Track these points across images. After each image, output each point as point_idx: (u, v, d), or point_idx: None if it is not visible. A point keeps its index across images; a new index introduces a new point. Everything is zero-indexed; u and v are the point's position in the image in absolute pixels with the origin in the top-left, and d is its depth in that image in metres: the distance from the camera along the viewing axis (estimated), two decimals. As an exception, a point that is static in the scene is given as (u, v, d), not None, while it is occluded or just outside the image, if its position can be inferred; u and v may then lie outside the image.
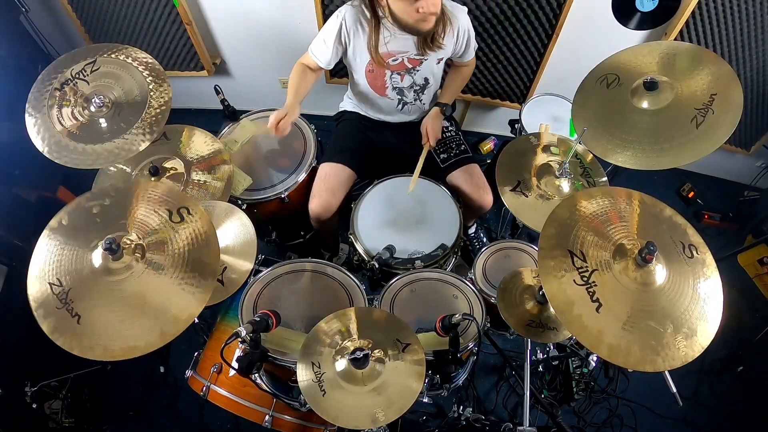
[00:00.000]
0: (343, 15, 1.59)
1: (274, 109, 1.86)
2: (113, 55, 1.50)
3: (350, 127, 1.90)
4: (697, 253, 1.06)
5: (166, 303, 1.04)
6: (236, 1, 2.19)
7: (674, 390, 1.26)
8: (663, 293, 1.00)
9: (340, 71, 2.39)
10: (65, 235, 1.11)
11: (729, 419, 2.04)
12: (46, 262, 1.08)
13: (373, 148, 1.87)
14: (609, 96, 1.37)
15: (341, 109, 1.98)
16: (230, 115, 1.81)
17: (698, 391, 2.09)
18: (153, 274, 1.07)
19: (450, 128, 1.87)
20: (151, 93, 1.47)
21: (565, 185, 1.47)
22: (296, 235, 2.10)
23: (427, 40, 1.59)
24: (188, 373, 1.52)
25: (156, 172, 1.50)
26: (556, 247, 1.05)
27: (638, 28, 2.03)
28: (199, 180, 1.55)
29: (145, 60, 1.50)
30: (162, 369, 2.01)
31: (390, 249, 1.50)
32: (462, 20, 1.62)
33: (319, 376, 1.15)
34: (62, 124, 1.42)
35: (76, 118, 1.43)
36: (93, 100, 1.42)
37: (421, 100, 1.80)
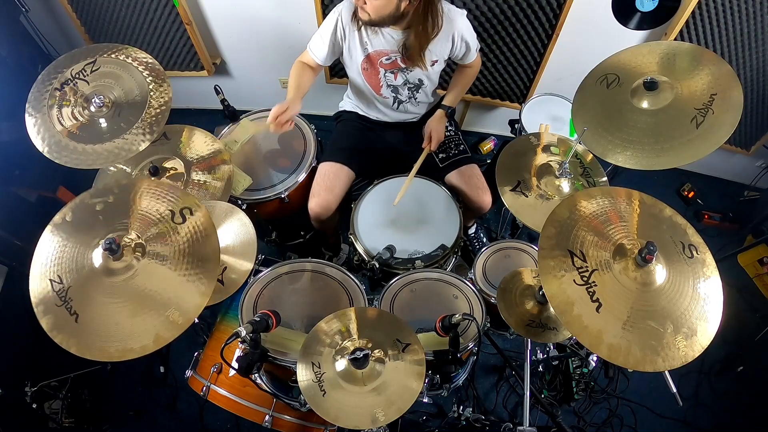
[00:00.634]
0: (339, 11, 1.59)
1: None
2: (113, 55, 1.50)
3: (349, 126, 1.90)
4: (697, 253, 1.06)
5: (170, 296, 1.04)
6: (236, 1, 2.19)
7: (674, 390, 1.26)
8: (663, 293, 1.00)
9: (340, 71, 2.39)
10: (68, 231, 1.12)
11: (729, 419, 2.04)
12: (48, 259, 1.09)
13: (372, 148, 1.87)
14: (609, 96, 1.37)
15: (340, 109, 1.99)
16: (230, 115, 1.81)
17: (698, 391, 2.09)
18: (152, 271, 1.07)
19: (449, 128, 1.86)
20: (151, 93, 1.47)
21: (565, 185, 1.47)
22: (296, 235, 2.10)
23: (407, 51, 1.59)
24: (188, 373, 1.52)
25: (156, 172, 1.50)
26: (556, 247, 1.05)
27: (638, 28, 2.03)
28: (199, 180, 1.55)
29: (145, 60, 1.50)
30: (162, 369, 2.01)
31: (390, 249, 1.50)
32: (458, 24, 1.60)
33: (319, 376, 1.15)
34: (62, 124, 1.42)
35: (76, 118, 1.43)
36: (93, 100, 1.42)
37: (416, 99, 1.80)
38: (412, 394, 1.13)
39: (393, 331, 1.22)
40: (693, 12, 1.92)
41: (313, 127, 1.84)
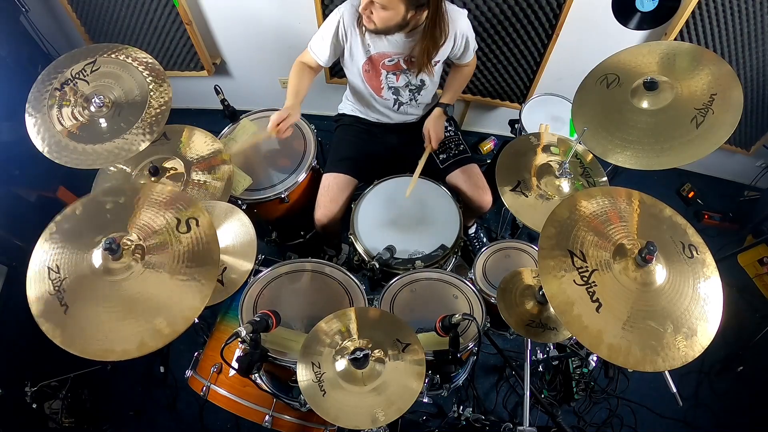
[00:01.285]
0: (341, 13, 1.59)
1: (274, 109, 1.87)
2: (113, 55, 1.50)
3: (348, 133, 1.90)
4: (697, 253, 1.06)
5: (161, 305, 1.04)
6: (236, 1, 2.19)
7: (674, 390, 1.26)
8: (663, 293, 1.00)
9: (340, 71, 2.39)
10: (75, 224, 1.13)
11: (729, 419, 2.04)
12: (51, 246, 1.10)
13: (372, 152, 1.88)
14: (609, 96, 1.37)
15: (339, 112, 1.98)
16: (230, 115, 1.81)
17: (698, 391, 2.09)
18: (147, 277, 1.06)
19: (449, 128, 1.86)
20: (151, 93, 1.47)
21: (565, 185, 1.47)
22: (296, 235, 2.10)
23: (417, 60, 1.60)
24: (188, 373, 1.52)
25: (156, 172, 1.50)
26: (556, 247, 1.05)
27: (638, 28, 2.03)
28: (199, 180, 1.55)
29: (145, 60, 1.50)
30: (162, 369, 2.01)
31: (390, 249, 1.50)
32: (460, 24, 1.60)
33: (319, 376, 1.15)
34: (62, 124, 1.42)
35: (76, 118, 1.43)
36: (93, 100, 1.42)
37: (416, 100, 1.80)
38: (412, 394, 1.13)
39: (393, 331, 1.22)
40: (693, 12, 1.92)
41: (313, 127, 1.84)
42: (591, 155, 1.54)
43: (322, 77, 2.40)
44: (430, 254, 1.56)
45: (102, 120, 1.44)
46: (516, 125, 2.05)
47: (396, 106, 1.81)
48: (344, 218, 1.75)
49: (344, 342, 1.20)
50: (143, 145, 1.43)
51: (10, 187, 2.08)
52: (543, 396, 2.00)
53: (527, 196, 1.46)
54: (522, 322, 1.32)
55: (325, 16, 2.07)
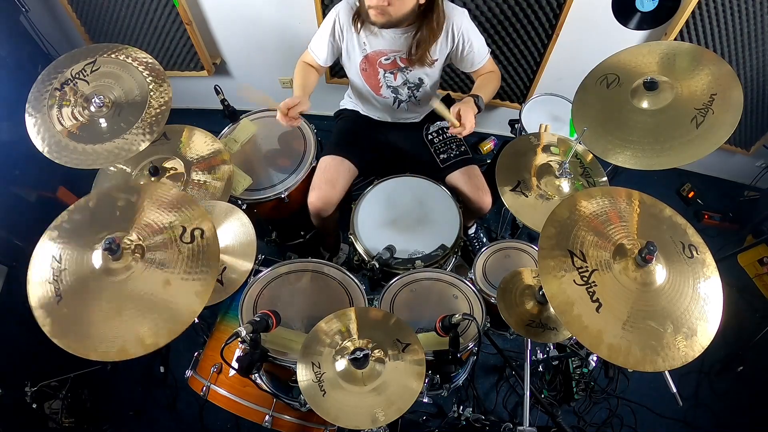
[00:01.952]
0: (337, 12, 1.59)
1: (274, 109, 1.87)
2: (113, 55, 1.50)
3: (350, 123, 1.90)
4: (697, 253, 1.06)
5: (150, 314, 1.03)
6: (236, 1, 2.19)
7: (674, 390, 1.26)
8: (663, 293, 1.00)
9: (339, 71, 2.39)
10: (85, 216, 1.13)
11: (729, 419, 2.04)
12: (58, 234, 1.10)
13: (373, 144, 1.87)
14: (609, 96, 1.37)
15: (341, 107, 1.99)
16: (230, 115, 1.81)
17: (698, 391, 2.09)
18: (140, 282, 1.06)
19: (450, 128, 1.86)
20: (151, 93, 1.47)
21: (565, 185, 1.47)
22: (296, 235, 2.10)
23: (415, 55, 1.58)
24: (188, 373, 1.52)
25: (156, 172, 1.50)
26: (556, 247, 1.05)
27: (638, 28, 2.03)
28: (199, 180, 1.55)
29: (145, 60, 1.50)
30: (162, 369, 2.01)
31: (390, 249, 1.50)
32: (457, 20, 1.58)
33: (319, 376, 1.15)
34: (62, 124, 1.42)
35: (76, 118, 1.43)
36: (93, 100, 1.42)
37: (416, 98, 1.79)
38: (412, 394, 1.13)
39: (393, 331, 1.22)
40: (693, 12, 1.92)
41: (313, 126, 1.84)
42: (591, 155, 1.54)
43: (322, 77, 2.40)
44: (430, 254, 1.56)
45: (102, 120, 1.44)
46: (516, 125, 2.04)
47: (396, 104, 1.81)
48: (344, 218, 1.75)
49: (344, 342, 1.20)
50: (143, 145, 1.43)
51: (10, 187, 2.08)
52: (543, 396, 2.00)
53: (527, 196, 1.46)
54: (522, 322, 1.32)
55: (324, 15, 2.07)
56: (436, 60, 1.66)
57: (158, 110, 1.46)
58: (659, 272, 1.01)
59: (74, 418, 1.87)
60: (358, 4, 1.54)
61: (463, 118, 1.49)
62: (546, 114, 2.00)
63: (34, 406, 1.79)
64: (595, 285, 1.00)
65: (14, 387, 1.80)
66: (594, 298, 0.99)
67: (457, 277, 1.51)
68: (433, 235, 1.60)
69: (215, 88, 1.70)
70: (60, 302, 1.04)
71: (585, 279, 1.01)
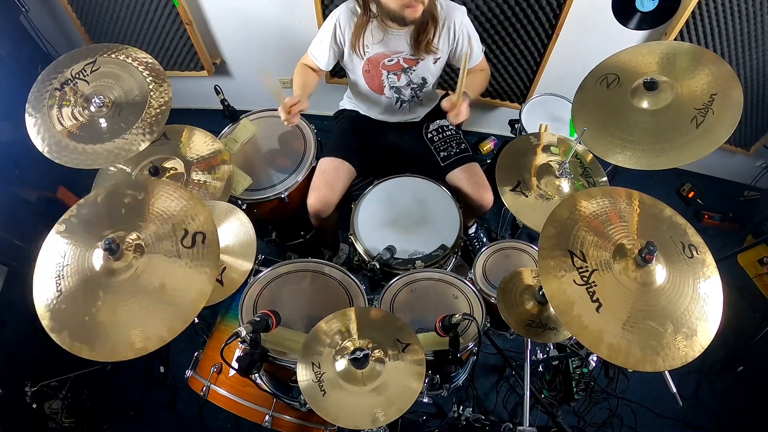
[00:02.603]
0: (337, 16, 1.59)
1: (274, 109, 1.88)
2: (113, 55, 1.50)
3: (349, 124, 1.91)
4: (697, 253, 1.06)
5: (142, 318, 1.03)
6: (236, 1, 2.19)
7: (674, 390, 1.26)
8: (663, 293, 1.00)
9: (340, 71, 2.39)
10: (93, 210, 1.14)
11: (729, 419, 2.04)
12: (69, 224, 1.12)
13: (372, 146, 1.87)
14: (609, 96, 1.37)
15: (340, 108, 1.99)
16: (230, 115, 1.81)
17: (698, 391, 2.09)
18: (134, 287, 1.05)
19: (450, 127, 1.86)
20: (151, 93, 1.47)
21: (565, 185, 1.46)
22: (296, 235, 2.10)
23: (420, 43, 1.58)
24: (188, 373, 1.52)
25: (156, 172, 1.50)
26: (556, 247, 1.05)
27: (638, 28, 2.03)
28: (199, 180, 1.55)
29: (145, 60, 1.50)
30: (162, 369, 2.01)
31: (390, 249, 1.50)
32: (457, 17, 1.59)
33: (319, 376, 1.15)
34: (62, 124, 1.42)
35: (76, 118, 1.43)
36: (93, 100, 1.42)
37: (419, 98, 1.79)
38: (412, 394, 1.13)
39: (393, 331, 1.22)
40: (693, 12, 1.92)
41: (313, 127, 1.84)
42: (591, 155, 1.54)
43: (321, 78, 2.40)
44: (430, 254, 1.56)
45: (102, 120, 1.44)
46: (516, 125, 2.05)
47: (398, 105, 1.81)
48: (344, 218, 1.75)
49: (344, 342, 1.20)
50: (143, 145, 1.43)
51: (10, 187, 2.08)
52: (543, 396, 2.00)
53: (527, 196, 1.46)
54: (522, 322, 1.32)
55: (325, 16, 2.06)
56: (438, 58, 1.66)
57: (158, 110, 1.46)
58: (659, 272, 1.01)
59: (74, 418, 1.87)
60: (369, 8, 1.52)
61: (460, 109, 1.52)
62: (546, 114, 2.00)
63: (34, 406, 1.79)
64: (595, 285, 1.00)
65: (14, 387, 1.80)
66: (594, 298, 0.99)
67: (457, 277, 1.51)
68: (433, 235, 1.60)
69: (215, 88, 1.70)
70: (60, 297, 1.04)
71: (585, 279, 1.01)
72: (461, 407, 1.77)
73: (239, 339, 1.12)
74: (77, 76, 1.46)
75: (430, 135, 1.84)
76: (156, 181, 1.39)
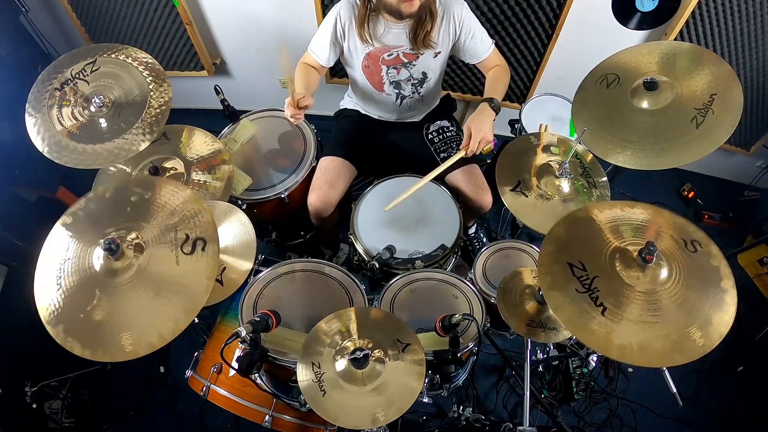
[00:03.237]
0: (337, 11, 1.59)
1: (274, 109, 1.88)
2: (113, 55, 1.50)
3: (350, 123, 1.90)
4: (701, 246, 1.06)
5: (135, 320, 1.03)
6: (236, 2, 2.19)
7: (674, 390, 1.26)
8: (671, 289, 1.00)
9: (340, 71, 2.39)
10: (99, 205, 1.14)
11: (729, 419, 2.04)
12: (75, 217, 1.12)
13: (373, 145, 1.87)
14: (609, 96, 1.37)
15: (341, 107, 1.99)
16: (230, 115, 1.81)
17: (698, 391, 2.09)
18: (131, 289, 1.05)
19: (450, 128, 1.86)
20: (151, 93, 1.47)
21: (565, 185, 1.46)
22: (296, 235, 2.10)
23: (418, 37, 1.57)
24: (188, 373, 1.52)
25: (156, 172, 1.50)
26: (555, 262, 1.05)
27: (638, 28, 2.03)
28: (199, 180, 1.55)
29: (145, 60, 1.50)
30: (162, 369, 2.01)
31: (390, 249, 1.50)
32: (456, 10, 1.59)
33: (319, 376, 1.15)
34: (62, 124, 1.42)
35: (76, 118, 1.43)
36: (93, 100, 1.42)
37: (419, 93, 1.79)
38: (412, 394, 1.13)
39: (393, 331, 1.22)
40: (693, 12, 1.92)
41: (313, 127, 1.84)
42: (591, 155, 1.54)
43: (321, 78, 2.40)
44: (430, 254, 1.56)
45: (102, 120, 1.44)
46: (516, 125, 2.04)
47: (398, 101, 1.81)
48: (344, 218, 1.75)
49: (344, 342, 1.20)
50: (143, 145, 1.43)
51: (10, 187, 2.08)
52: (543, 396, 2.00)
53: (527, 196, 1.45)
54: (522, 322, 1.32)
55: (325, 15, 2.07)
56: (439, 53, 1.66)
57: (158, 110, 1.46)
58: (662, 270, 1.01)
59: (74, 418, 1.87)
60: (363, 2, 1.53)
61: (474, 138, 1.54)
62: (546, 114, 2.00)
63: (34, 406, 1.79)
64: (598, 291, 1.00)
65: (14, 387, 1.80)
66: (598, 303, 0.98)
67: (457, 277, 1.51)
68: (433, 235, 1.60)
69: (215, 88, 1.70)
70: (60, 290, 1.04)
71: (587, 286, 1.01)
72: (461, 407, 1.77)
73: (239, 339, 1.12)
74: (77, 76, 1.46)
75: (430, 136, 1.84)
76: (165, 181, 1.37)
